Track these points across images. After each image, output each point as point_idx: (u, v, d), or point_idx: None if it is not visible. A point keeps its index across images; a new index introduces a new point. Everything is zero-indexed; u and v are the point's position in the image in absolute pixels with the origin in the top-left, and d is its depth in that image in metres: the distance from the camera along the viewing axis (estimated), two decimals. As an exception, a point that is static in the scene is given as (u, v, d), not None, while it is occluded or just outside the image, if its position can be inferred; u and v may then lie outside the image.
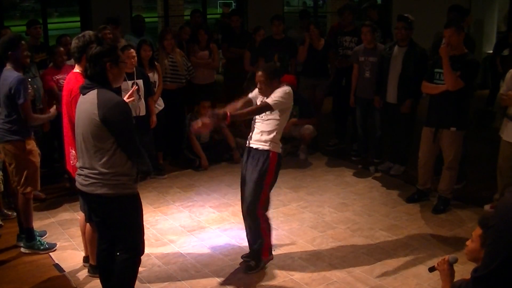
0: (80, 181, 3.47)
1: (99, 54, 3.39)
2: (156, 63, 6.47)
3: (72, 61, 6.29)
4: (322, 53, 7.31)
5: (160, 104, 6.49)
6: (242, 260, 4.39)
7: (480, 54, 10.19)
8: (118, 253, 3.57)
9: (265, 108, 4.04)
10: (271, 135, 4.12)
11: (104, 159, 3.33)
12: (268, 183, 4.17)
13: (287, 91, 4.13)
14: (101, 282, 3.78)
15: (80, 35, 4.03)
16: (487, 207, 5.36)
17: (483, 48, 11.07)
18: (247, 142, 4.28)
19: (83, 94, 3.42)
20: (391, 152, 6.61)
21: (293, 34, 8.37)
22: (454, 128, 5.18)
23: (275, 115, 4.11)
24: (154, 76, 6.34)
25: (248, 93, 4.41)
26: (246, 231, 4.38)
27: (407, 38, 6.03)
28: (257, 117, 4.19)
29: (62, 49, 5.90)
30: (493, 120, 8.24)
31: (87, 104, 3.35)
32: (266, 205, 4.24)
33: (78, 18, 9.14)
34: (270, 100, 4.04)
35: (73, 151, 3.99)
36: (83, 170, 3.43)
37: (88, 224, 4.14)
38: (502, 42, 9.19)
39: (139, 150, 3.44)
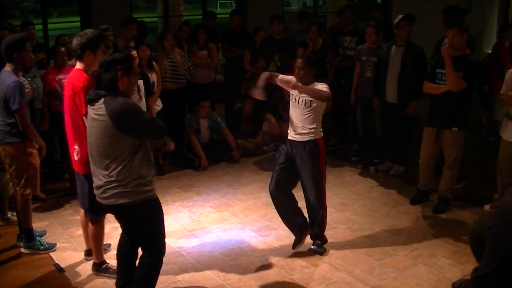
0: (99, 195, 3.44)
1: (112, 61, 3.31)
2: (154, 63, 6.47)
3: (73, 61, 6.33)
4: (321, 53, 7.30)
5: (158, 105, 6.47)
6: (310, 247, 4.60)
7: (480, 54, 10.18)
8: (142, 256, 3.58)
9: (328, 97, 4.27)
10: (314, 125, 4.36)
11: (120, 167, 3.29)
12: (324, 167, 4.45)
13: (327, 85, 4.39)
14: (118, 272, 3.79)
15: (81, 33, 3.99)
16: (487, 207, 5.36)
17: (483, 48, 11.07)
18: (289, 135, 4.47)
19: (92, 106, 3.37)
20: (391, 152, 6.61)
21: (294, 28, 8.32)
22: (456, 128, 5.17)
23: (313, 108, 4.33)
24: (152, 77, 6.33)
25: (248, 92, 4.61)
26: (294, 218, 4.56)
27: (407, 38, 6.03)
28: (296, 112, 4.38)
29: (63, 49, 5.89)
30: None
31: (96, 116, 3.32)
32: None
33: (78, 18, 9.13)
34: (325, 90, 4.26)
35: (76, 147, 3.99)
36: (100, 181, 3.38)
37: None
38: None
39: (159, 129, 3.42)
